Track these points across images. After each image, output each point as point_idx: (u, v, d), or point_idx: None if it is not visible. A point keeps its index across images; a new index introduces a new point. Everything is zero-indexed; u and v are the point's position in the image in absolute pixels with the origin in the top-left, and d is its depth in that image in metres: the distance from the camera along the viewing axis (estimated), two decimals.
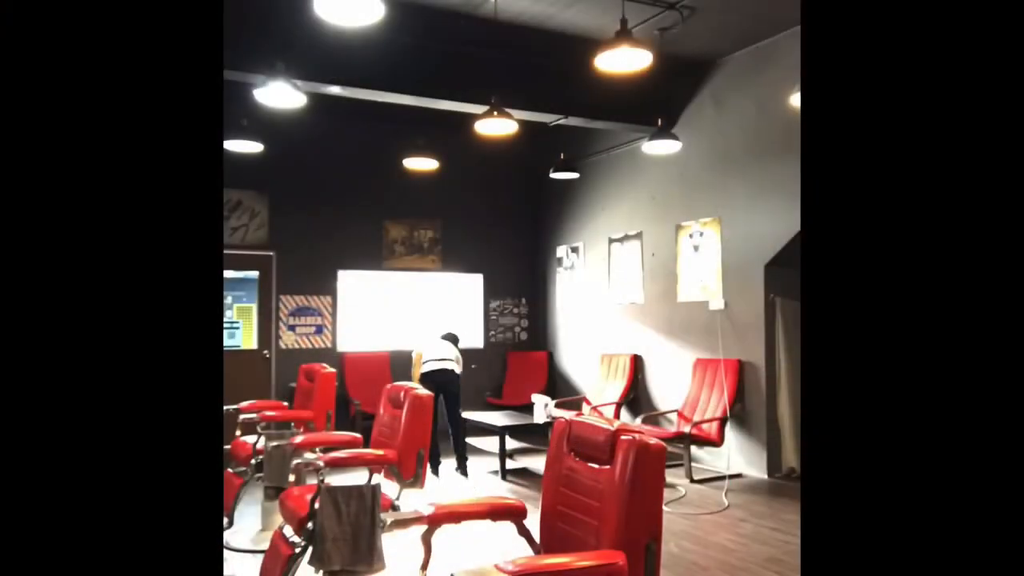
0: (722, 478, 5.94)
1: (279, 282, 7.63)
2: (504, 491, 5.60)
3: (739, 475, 6.05)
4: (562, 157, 7.23)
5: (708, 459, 6.43)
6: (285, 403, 5.26)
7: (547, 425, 6.04)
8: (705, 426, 6.03)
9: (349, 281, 8.11)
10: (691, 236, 6.75)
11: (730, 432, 6.22)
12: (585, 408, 7.35)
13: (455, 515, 2.18)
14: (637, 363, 7.37)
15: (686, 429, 6.01)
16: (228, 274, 7.42)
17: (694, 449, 6.42)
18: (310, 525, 2.82)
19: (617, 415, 7.13)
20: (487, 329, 8.81)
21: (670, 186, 7.04)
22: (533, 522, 2.21)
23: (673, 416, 6.57)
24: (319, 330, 7.81)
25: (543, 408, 6.23)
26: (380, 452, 3.30)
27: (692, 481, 5.80)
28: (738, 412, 6.08)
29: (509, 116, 5.03)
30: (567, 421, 2.23)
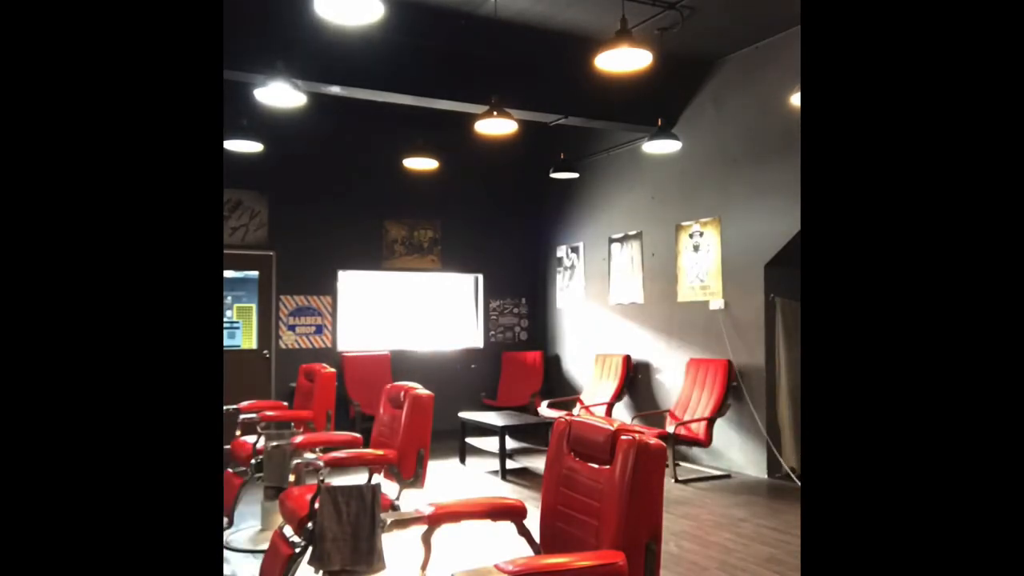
0: (708, 479, 5.94)
1: (279, 282, 7.62)
2: (504, 491, 5.60)
3: (728, 475, 6.05)
4: (562, 157, 7.23)
5: (707, 459, 6.43)
6: (285, 403, 5.26)
7: (546, 425, 6.03)
8: (693, 426, 6.02)
9: (349, 281, 8.11)
10: (691, 236, 6.75)
11: (730, 432, 6.22)
12: (577, 408, 7.36)
13: (455, 515, 2.18)
14: (636, 363, 7.37)
15: (671, 429, 6.01)
16: (228, 274, 7.42)
17: (695, 450, 6.43)
18: (310, 525, 2.82)
19: (609, 414, 7.13)
20: (487, 329, 8.81)
21: (670, 186, 7.04)
22: (533, 522, 2.21)
23: (668, 416, 6.58)
24: (319, 330, 7.81)
25: None
26: (380, 452, 3.30)
27: (676, 481, 5.79)
28: (726, 412, 6.07)
29: (509, 116, 5.03)
30: (567, 421, 2.23)
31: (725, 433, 6.22)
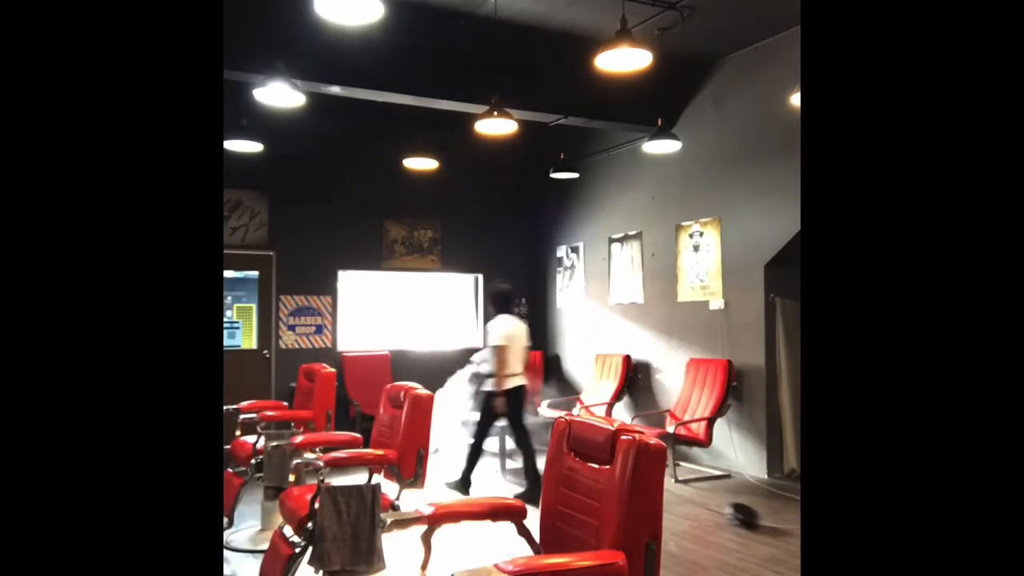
0: (708, 479, 5.94)
1: (279, 282, 7.62)
2: (504, 491, 5.60)
3: (728, 475, 6.05)
4: (562, 157, 7.23)
5: (707, 459, 6.43)
6: (285, 403, 5.26)
7: (545, 425, 6.03)
8: (693, 426, 6.03)
9: (349, 281, 8.11)
10: (691, 236, 6.75)
11: (730, 432, 6.22)
12: (577, 408, 7.36)
13: (455, 515, 2.18)
14: (636, 363, 7.37)
15: (671, 429, 6.01)
16: (228, 274, 7.42)
17: (695, 450, 6.42)
18: (310, 525, 2.82)
19: (609, 414, 7.13)
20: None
21: (670, 186, 7.04)
22: (533, 522, 2.21)
23: (668, 416, 6.58)
24: (319, 330, 7.80)
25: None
26: (380, 452, 3.30)
27: (676, 481, 5.80)
28: (726, 412, 6.07)
29: (509, 116, 5.03)
30: (567, 421, 2.23)
31: (725, 433, 6.22)
